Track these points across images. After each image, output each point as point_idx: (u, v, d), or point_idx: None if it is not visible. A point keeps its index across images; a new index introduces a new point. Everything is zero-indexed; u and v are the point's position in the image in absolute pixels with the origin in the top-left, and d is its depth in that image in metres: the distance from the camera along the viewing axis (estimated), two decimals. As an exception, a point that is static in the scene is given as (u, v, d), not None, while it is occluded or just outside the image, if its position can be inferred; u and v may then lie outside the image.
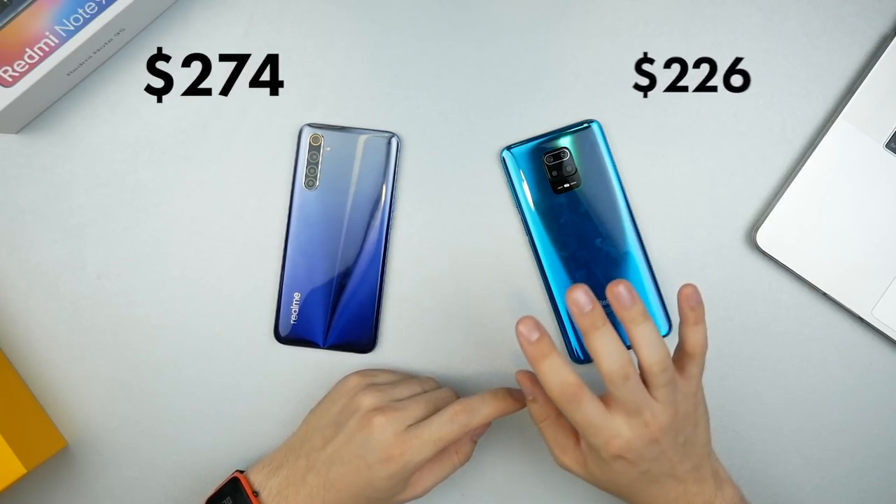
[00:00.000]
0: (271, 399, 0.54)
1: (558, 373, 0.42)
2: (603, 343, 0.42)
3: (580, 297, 0.42)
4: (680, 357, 0.45)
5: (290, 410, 0.54)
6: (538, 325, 0.43)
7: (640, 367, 0.43)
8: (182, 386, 0.54)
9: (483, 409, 0.47)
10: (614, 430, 0.42)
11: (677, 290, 0.45)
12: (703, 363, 0.45)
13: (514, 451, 0.54)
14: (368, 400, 0.47)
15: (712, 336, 0.54)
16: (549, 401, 0.46)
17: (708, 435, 0.46)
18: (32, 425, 0.53)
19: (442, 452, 0.48)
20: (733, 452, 0.54)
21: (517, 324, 0.43)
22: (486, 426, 0.50)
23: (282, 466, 0.48)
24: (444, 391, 0.50)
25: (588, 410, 0.42)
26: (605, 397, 0.43)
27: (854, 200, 0.53)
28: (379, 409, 0.46)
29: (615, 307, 0.42)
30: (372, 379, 0.50)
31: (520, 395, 0.48)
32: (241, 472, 0.49)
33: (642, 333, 0.42)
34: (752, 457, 0.54)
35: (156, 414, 0.54)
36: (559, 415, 0.46)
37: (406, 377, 0.52)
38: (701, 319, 0.44)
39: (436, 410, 0.48)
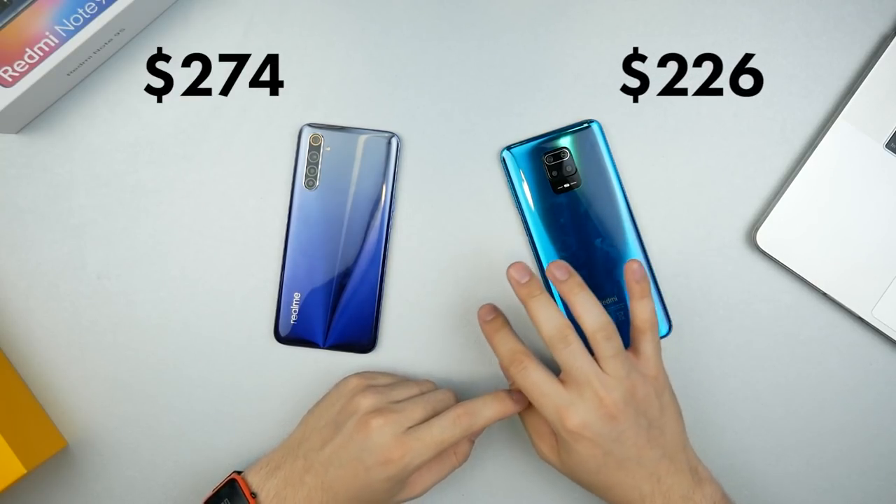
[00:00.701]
0: (271, 399, 0.54)
1: (505, 342, 0.47)
2: (539, 309, 0.45)
3: (515, 271, 0.46)
4: (633, 336, 0.48)
5: (290, 410, 0.54)
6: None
7: (585, 334, 0.45)
8: (182, 386, 0.54)
9: (485, 413, 0.47)
10: (566, 399, 0.44)
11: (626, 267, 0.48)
12: (657, 343, 0.47)
13: (514, 450, 0.54)
14: (367, 401, 0.47)
15: (713, 336, 0.54)
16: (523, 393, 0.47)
17: (681, 426, 0.47)
18: (32, 425, 0.53)
19: (441, 453, 0.48)
20: (733, 452, 0.54)
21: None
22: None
23: (280, 467, 0.48)
24: (442, 393, 0.50)
25: (539, 375, 0.45)
26: (559, 376, 0.45)
27: (854, 200, 0.53)
28: (377, 411, 0.46)
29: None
30: (371, 381, 0.50)
31: (520, 397, 0.49)
32: (239, 472, 0.49)
33: (579, 300, 0.45)
34: (752, 457, 0.54)
35: (156, 414, 0.54)
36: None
37: (405, 380, 0.52)
38: (646, 294, 0.47)
39: (434, 412, 0.48)
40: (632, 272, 0.47)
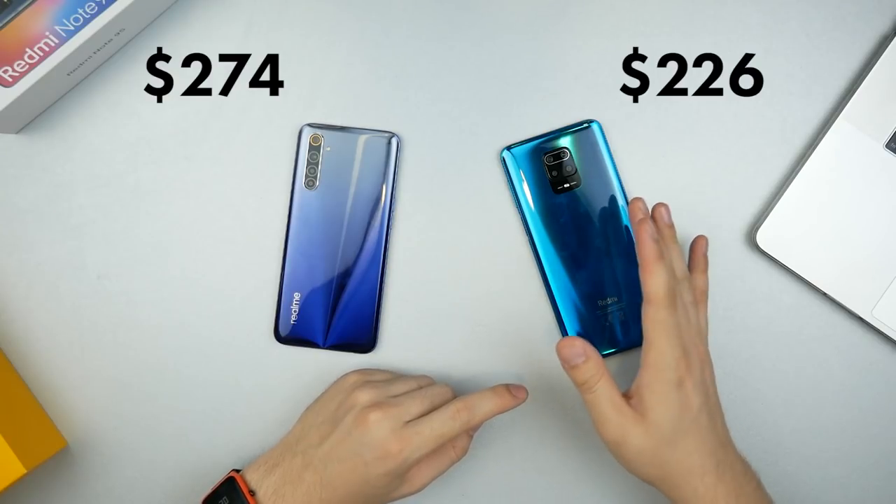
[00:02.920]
0: (271, 399, 0.54)
1: (668, 279, 0.45)
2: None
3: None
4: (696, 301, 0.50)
5: (290, 410, 0.54)
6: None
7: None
8: (182, 386, 0.54)
9: (484, 407, 0.48)
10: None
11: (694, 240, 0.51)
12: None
13: (514, 449, 0.54)
14: (365, 396, 0.47)
15: (713, 336, 0.54)
16: (600, 360, 0.45)
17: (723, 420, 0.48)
18: (32, 425, 0.53)
19: (439, 447, 0.48)
20: (733, 452, 0.54)
21: (640, 205, 0.48)
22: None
23: (278, 464, 0.48)
24: (439, 387, 0.50)
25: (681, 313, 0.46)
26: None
27: (854, 200, 0.53)
28: (375, 406, 0.47)
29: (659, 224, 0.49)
30: (369, 377, 0.50)
31: (518, 391, 0.49)
32: (238, 471, 0.49)
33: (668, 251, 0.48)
34: (753, 457, 0.54)
35: (156, 414, 0.54)
36: (609, 373, 0.46)
37: (402, 375, 0.52)
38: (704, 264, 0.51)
39: (432, 406, 0.48)
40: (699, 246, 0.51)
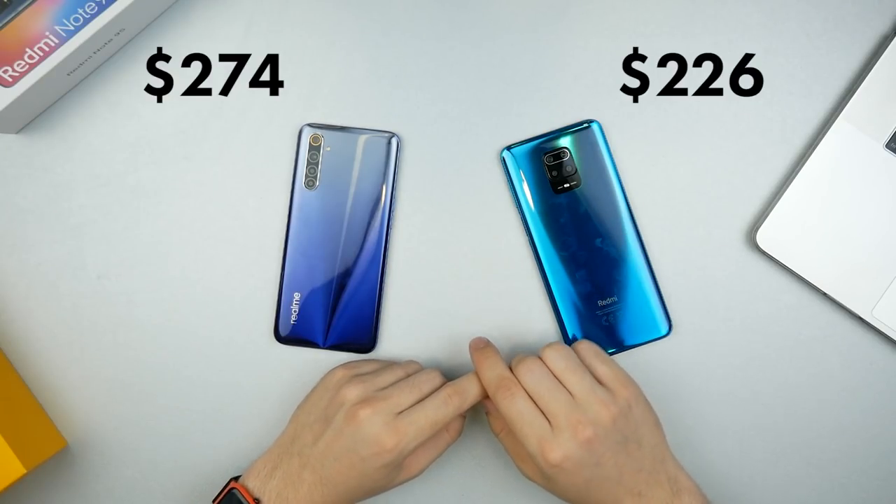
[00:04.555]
0: (271, 399, 0.54)
1: (494, 367, 0.47)
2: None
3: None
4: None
5: (290, 410, 0.54)
6: (487, 341, 0.50)
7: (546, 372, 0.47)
8: (182, 386, 0.54)
9: (474, 389, 0.48)
10: (548, 432, 0.45)
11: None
12: (607, 360, 0.48)
13: (514, 451, 0.54)
14: (353, 393, 0.47)
15: (713, 336, 0.54)
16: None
17: (659, 436, 0.47)
18: (32, 425, 0.53)
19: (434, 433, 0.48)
20: (733, 452, 0.54)
21: (471, 342, 0.50)
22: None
23: (277, 468, 0.48)
24: (426, 373, 0.50)
25: (526, 404, 0.46)
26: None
27: (854, 200, 0.53)
28: (364, 402, 0.46)
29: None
30: (355, 370, 0.50)
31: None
32: (235, 478, 0.48)
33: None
34: (752, 457, 0.54)
35: (156, 414, 0.54)
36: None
37: (390, 364, 0.52)
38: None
39: (422, 394, 0.48)
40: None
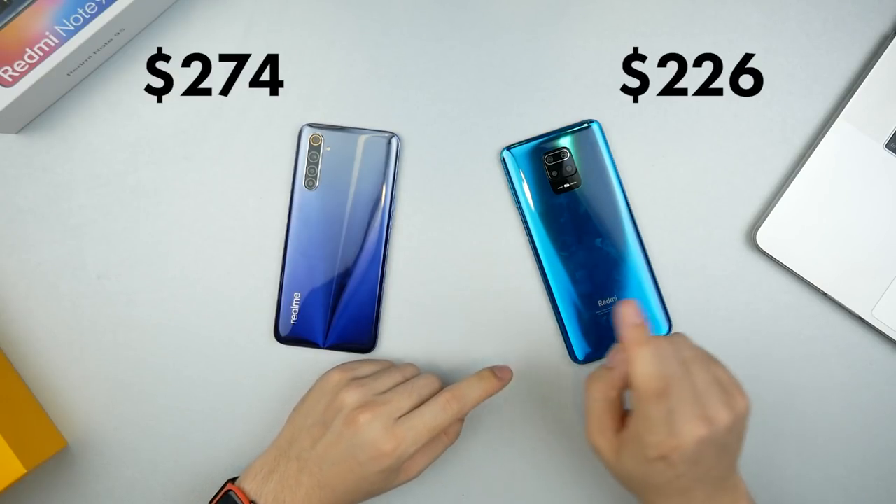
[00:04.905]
0: (271, 399, 0.54)
1: (657, 364, 0.41)
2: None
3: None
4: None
5: (290, 410, 0.54)
6: (640, 311, 0.43)
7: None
8: (182, 386, 0.54)
9: (472, 394, 0.48)
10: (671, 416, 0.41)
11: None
12: (725, 372, 0.45)
13: (513, 449, 0.54)
14: (352, 397, 0.47)
15: (713, 336, 0.54)
16: (620, 380, 0.45)
17: (741, 445, 0.45)
18: (32, 425, 0.53)
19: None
20: (733, 452, 0.54)
21: (619, 304, 0.44)
22: None
23: (274, 471, 0.47)
24: (425, 378, 0.49)
25: (670, 406, 0.41)
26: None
27: (854, 200, 0.53)
28: (363, 406, 0.46)
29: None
30: (353, 373, 0.50)
31: (502, 372, 0.49)
32: (232, 481, 0.48)
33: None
34: (752, 457, 0.54)
35: (156, 414, 0.54)
36: (618, 397, 0.45)
37: (387, 366, 0.52)
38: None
39: (421, 399, 0.48)
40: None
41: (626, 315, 0.43)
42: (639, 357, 0.41)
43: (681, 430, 0.41)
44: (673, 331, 0.54)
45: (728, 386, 0.44)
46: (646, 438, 0.42)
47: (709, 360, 0.44)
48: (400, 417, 0.46)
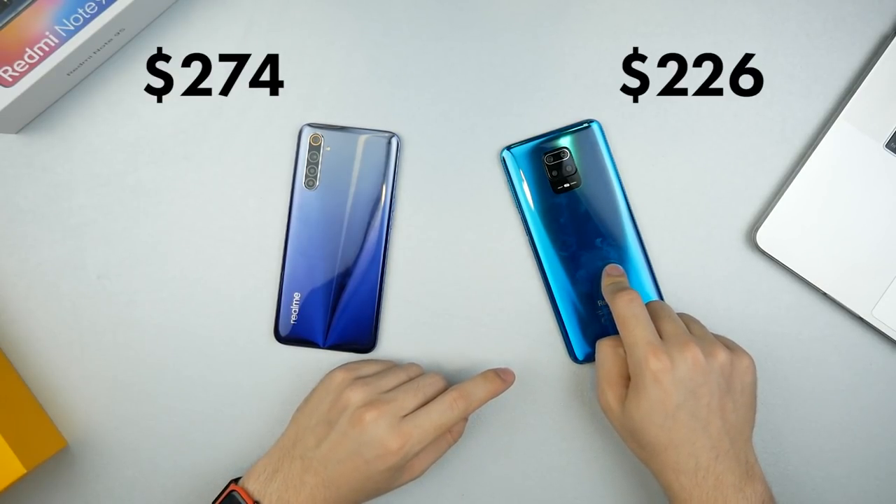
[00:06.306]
0: (271, 399, 0.54)
1: (621, 283, 0.50)
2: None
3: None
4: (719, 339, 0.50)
5: (290, 410, 0.54)
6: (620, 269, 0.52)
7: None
8: (182, 386, 0.54)
9: (478, 394, 0.48)
10: (657, 340, 0.46)
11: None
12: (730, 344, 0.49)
13: (513, 449, 0.54)
14: (357, 396, 0.47)
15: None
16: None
17: (751, 416, 0.47)
18: (32, 425, 0.53)
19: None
20: (733, 452, 0.54)
21: (607, 266, 0.52)
22: None
23: (278, 470, 0.47)
24: (430, 377, 0.50)
25: (643, 311, 0.47)
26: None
27: (854, 200, 0.53)
28: (369, 405, 0.46)
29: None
30: (357, 372, 0.50)
31: (506, 374, 0.50)
32: (235, 481, 0.48)
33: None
34: (752, 457, 0.54)
35: (156, 414, 0.54)
36: (626, 354, 0.47)
37: (390, 366, 0.52)
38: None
39: (426, 398, 0.48)
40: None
41: (609, 272, 0.51)
42: (617, 299, 0.47)
43: (674, 355, 0.45)
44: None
45: (731, 344, 0.48)
46: (635, 354, 0.45)
47: (709, 333, 0.49)
48: (406, 416, 0.47)
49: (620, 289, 0.48)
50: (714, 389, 0.45)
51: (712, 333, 0.49)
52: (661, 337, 0.46)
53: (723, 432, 0.45)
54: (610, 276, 0.51)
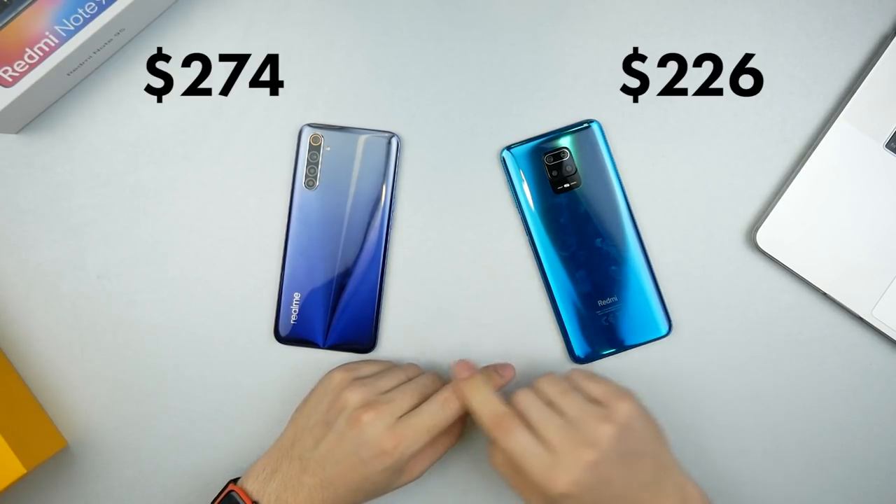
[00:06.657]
0: (271, 399, 0.54)
1: (486, 402, 0.46)
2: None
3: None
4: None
5: (290, 410, 0.53)
6: (472, 366, 0.49)
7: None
8: (182, 386, 0.54)
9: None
10: (549, 461, 0.43)
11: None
12: (593, 378, 0.47)
13: (514, 451, 0.54)
14: (355, 396, 0.47)
15: (713, 336, 0.54)
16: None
17: (661, 445, 0.46)
18: (32, 425, 0.53)
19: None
20: (733, 452, 0.54)
21: (454, 364, 0.49)
22: None
23: (276, 471, 0.47)
24: (427, 377, 0.50)
25: (525, 437, 0.44)
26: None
27: (854, 200, 0.53)
28: (367, 405, 0.47)
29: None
30: (355, 373, 0.50)
31: (504, 370, 0.50)
32: (234, 481, 0.48)
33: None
34: (752, 457, 0.54)
35: (156, 414, 0.54)
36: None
37: (389, 366, 0.52)
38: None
39: (423, 398, 0.48)
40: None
41: (457, 371, 0.48)
42: (470, 405, 0.46)
43: (568, 465, 0.43)
44: (672, 331, 0.54)
45: (605, 398, 0.45)
46: (537, 482, 0.44)
47: (577, 384, 0.47)
48: (402, 416, 0.47)
49: (493, 419, 0.45)
50: (619, 464, 0.44)
51: (578, 389, 0.46)
52: (546, 441, 0.44)
53: (646, 485, 0.44)
54: (467, 386, 0.47)
